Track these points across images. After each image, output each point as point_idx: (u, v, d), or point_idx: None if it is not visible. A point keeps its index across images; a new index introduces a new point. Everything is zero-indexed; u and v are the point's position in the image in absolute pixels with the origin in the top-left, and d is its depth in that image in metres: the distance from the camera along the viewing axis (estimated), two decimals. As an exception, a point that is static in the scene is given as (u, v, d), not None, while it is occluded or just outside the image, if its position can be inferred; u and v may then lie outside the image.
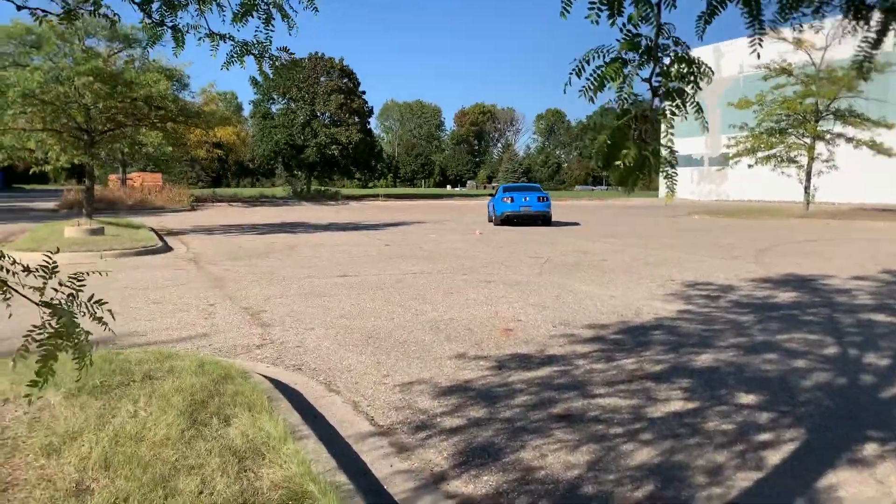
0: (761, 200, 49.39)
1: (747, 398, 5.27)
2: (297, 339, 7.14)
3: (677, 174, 3.06)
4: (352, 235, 20.51)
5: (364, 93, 58.22)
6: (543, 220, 24.94)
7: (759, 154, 30.92)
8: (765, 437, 4.51)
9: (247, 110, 68.97)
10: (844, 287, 10.65)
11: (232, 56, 3.83)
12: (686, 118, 2.92)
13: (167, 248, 16.30)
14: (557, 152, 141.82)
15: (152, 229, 20.60)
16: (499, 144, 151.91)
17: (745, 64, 50.48)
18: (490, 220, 26.22)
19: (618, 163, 2.57)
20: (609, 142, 2.64)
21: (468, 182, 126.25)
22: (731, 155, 31.82)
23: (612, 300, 9.44)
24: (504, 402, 5.14)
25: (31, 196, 50.33)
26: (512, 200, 24.75)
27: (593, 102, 2.63)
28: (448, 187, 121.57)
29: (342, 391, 5.43)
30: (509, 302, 9.23)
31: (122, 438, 3.70)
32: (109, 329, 2.36)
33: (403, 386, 5.52)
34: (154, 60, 20.81)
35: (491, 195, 30.26)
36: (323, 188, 58.66)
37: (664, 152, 2.86)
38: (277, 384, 5.36)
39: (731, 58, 54.16)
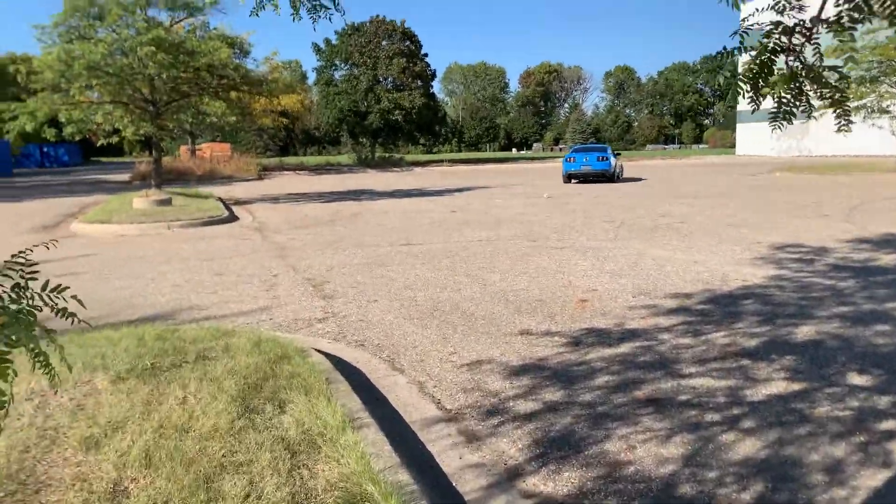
0: (846, 155, 46.63)
1: (861, 378, 4.65)
2: (360, 312, 6.81)
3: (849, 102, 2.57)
4: (416, 202, 20.16)
5: (426, 55, 57.29)
6: (606, 177, 26.27)
7: (849, 104, 28.88)
8: (889, 425, 3.91)
9: (311, 78, 69.15)
10: (955, 248, 9.66)
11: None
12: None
13: (233, 218, 16.30)
14: (627, 111, 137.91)
15: (220, 199, 20.72)
16: (566, 105, 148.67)
17: (829, 4, 47.36)
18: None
19: (766, 90, 2.17)
20: (756, 68, 2.25)
21: (534, 145, 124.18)
22: (817, 107, 29.79)
23: (695, 266, 8.78)
24: (583, 383, 4.67)
25: (107, 169, 51.90)
26: (574, 161, 26.62)
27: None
28: (514, 151, 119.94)
29: (406, 370, 5.06)
30: (583, 270, 8.69)
31: (167, 430, 3.41)
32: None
33: (472, 364, 5.10)
34: (216, 28, 20.73)
35: (561, 157, 31.19)
36: (387, 154, 58.48)
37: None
38: (338, 362, 5.03)
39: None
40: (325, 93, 55.88)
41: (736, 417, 4.05)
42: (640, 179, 28.96)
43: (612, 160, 26.60)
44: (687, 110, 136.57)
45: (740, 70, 2.58)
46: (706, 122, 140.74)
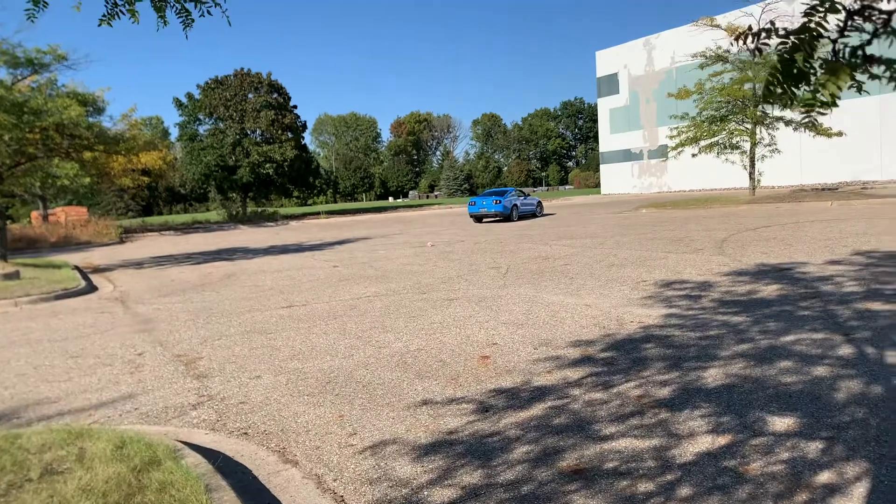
0: (703, 189, 49.88)
1: (783, 423, 4.48)
2: (241, 391, 6.07)
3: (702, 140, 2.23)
4: (295, 258, 19.32)
5: (296, 107, 56.56)
6: (501, 217, 31.15)
7: (703, 142, 30.88)
8: (825, 477, 3.70)
9: (174, 134, 66.38)
10: (824, 274, 10.10)
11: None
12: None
13: (91, 288, 14.85)
14: (496, 156, 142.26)
15: (76, 267, 18.99)
16: (437, 152, 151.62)
17: (677, 55, 51.07)
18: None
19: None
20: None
21: (410, 192, 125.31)
22: (674, 145, 31.70)
23: (589, 310, 8.63)
24: (500, 457, 4.21)
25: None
26: (475, 204, 31.89)
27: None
28: (390, 199, 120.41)
29: (301, 461, 4.41)
30: (479, 322, 8.32)
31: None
32: None
33: (376, 447, 4.53)
34: (65, 85, 19.22)
35: (439, 204, 37.38)
36: (260, 209, 56.81)
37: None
38: (219, 460, 4.31)
39: (662, 50, 54.79)
40: (190, 148, 53.71)
41: (671, 485, 3.71)
42: (523, 225, 29.41)
43: (509, 202, 31.29)
44: (551, 154, 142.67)
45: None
46: (570, 164, 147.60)
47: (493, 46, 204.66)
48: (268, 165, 51.98)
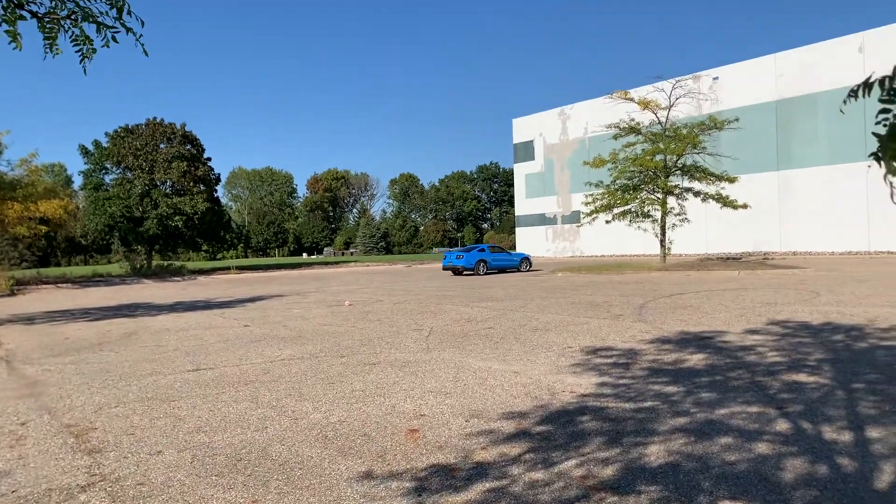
0: (614, 255, 51.28)
1: (737, 509, 4.21)
2: (140, 470, 5.36)
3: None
4: (203, 316, 18.30)
5: (210, 159, 55.14)
6: (466, 271, 34.61)
7: (616, 210, 31.82)
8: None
9: (77, 182, 63.46)
10: (745, 343, 10.19)
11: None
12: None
13: (-28, 346, 13.47)
14: (413, 216, 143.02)
15: (-43, 322, 17.35)
16: (354, 210, 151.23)
17: (590, 125, 53.07)
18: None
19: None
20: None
21: (325, 249, 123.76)
22: (588, 212, 32.52)
23: (518, 378, 8.31)
24: (440, 552, 3.74)
25: None
26: (446, 258, 36.33)
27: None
28: (304, 255, 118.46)
29: (207, 559, 3.80)
30: (404, 390, 7.84)
31: None
32: None
33: (296, 541, 3.97)
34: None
35: (355, 261, 39.11)
36: (166, 263, 54.47)
37: None
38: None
39: (576, 120, 56.86)
40: (94, 198, 51.29)
41: (632, 584, 3.34)
42: (436, 285, 29.16)
43: (475, 258, 34.80)
44: (467, 215, 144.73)
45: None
46: (485, 225, 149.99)
47: (413, 108, 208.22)
48: (177, 218, 50.14)
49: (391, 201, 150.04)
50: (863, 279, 21.63)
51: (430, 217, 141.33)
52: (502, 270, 35.99)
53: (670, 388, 7.44)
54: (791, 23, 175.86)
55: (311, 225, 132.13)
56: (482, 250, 36.11)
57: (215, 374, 9.36)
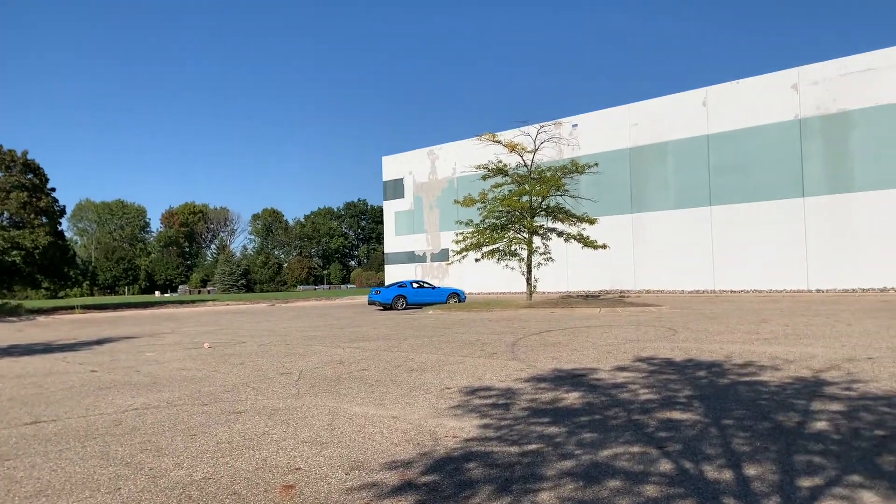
0: (482, 292, 52.08)
1: (637, 559, 4.06)
2: (-42, 552, 4.51)
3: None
4: (43, 360, 16.54)
5: (54, 190, 51.13)
6: (383, 307, 36.04)
7: (485, 248, 32.35)
8: None
9: None
10: (617, 381, 10.37)
11: None
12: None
13: None
14: (277, 252, 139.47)
15: None
16: (213, 246, 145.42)
17: (459, 166, 54.10)
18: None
19: None
20: None
21: (180, 287, 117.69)
22: (458, 250, 32.86)
23: (398, 423, 7.94)
24: None
25: None
26: (370, 293, 37.68)
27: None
28: (157, 293, 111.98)
29: None
30: (276, 441, 7.26)
31: None
32: None
33: None
34: None
35: (213, 300, 37.80)
36: (0, 302, 49.59)
37: None
38: None
39: (445, 160, 57.82)
40: (-86, 229, 45.94)
41: None
42: (305, 326, 28.20)
43: (391, 293, 36.11)
44: (334, 252, 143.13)
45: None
46: (352, 263, 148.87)
47: (275, 142, 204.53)
48: (15, 253, 45.81)
49: (253, 237, 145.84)
50: (713, 316, 23.05)
51: (294, 254, 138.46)
52: (422, 306, 36.38)
53: (552, 429, 7.35)
54: (644, 73, 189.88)
55: (165, 261, 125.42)
56: (402, 286, 37.35)
57: (58, 427, 8.31)
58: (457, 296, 38.39)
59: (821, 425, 7.11)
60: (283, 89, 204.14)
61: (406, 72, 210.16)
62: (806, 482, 5.29)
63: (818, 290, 37.77)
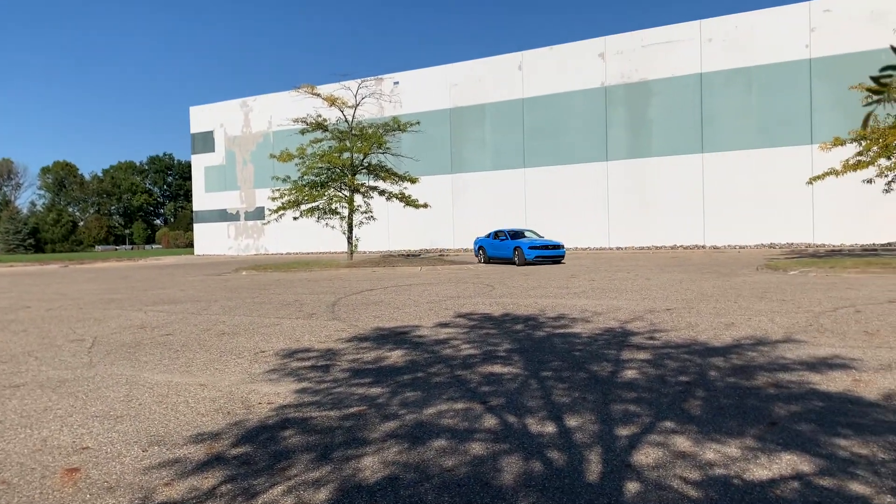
0: (301, 252, 50.81)
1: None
2: None
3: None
4: None
5: None
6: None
7: (304, 206, 31.29)
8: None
9: None
10: (439, 337, 10.32)
11: None
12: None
13: None
14: (71, 209, 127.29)
15: None
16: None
17: (275, 119, 51.88)
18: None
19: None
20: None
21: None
22: (275, 208, 31.52)
23: (206, 391, 7.27)
24: None
25: None
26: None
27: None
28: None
29: None
30: (60, 417, 6.33)
31: None
32: None
33: None
34: None
35: None
36: None
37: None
38: None
39: (260, 113, 55.17)
40: None
41: None
42: (104, 288, 25.78)
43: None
44: (137, 210, 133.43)
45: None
46: (157, 222, 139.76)
47: (66, 88, 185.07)
48: None
49: (43, 192, 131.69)
50: (526, 273, 24.01)
51: (91, 211, 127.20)
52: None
53: (375, 390, 7.06)
54: (462, 36, 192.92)
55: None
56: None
57: None
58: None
59: (631, 374, 7.42)
60: (69, 26, 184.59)
61: (215, 17, 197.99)
62: (624, 431, 5.41)
63: (618, 248, 40.80)
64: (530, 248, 28.51)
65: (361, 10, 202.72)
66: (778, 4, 37.53)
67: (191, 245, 70.42)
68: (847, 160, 21.03)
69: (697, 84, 38.76)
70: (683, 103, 39.07)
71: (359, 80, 33.47)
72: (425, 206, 32.24)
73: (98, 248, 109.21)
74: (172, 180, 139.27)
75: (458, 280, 21.64)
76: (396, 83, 47.42)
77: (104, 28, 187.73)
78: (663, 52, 39.63)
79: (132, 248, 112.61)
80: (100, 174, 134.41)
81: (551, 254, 28.84)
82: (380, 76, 45.13)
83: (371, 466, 4.82)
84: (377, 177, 32.22)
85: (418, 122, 33.33)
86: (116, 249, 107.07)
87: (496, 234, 31.35)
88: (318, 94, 31.14)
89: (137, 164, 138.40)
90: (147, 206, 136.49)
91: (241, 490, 4.43)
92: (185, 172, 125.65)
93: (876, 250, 30.04)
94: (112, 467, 4.93)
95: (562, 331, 10.62)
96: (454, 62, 46.85)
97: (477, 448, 5.15)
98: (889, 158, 20.38)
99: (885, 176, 20.59)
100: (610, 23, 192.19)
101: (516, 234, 30.76)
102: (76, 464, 5.04)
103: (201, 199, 59.27)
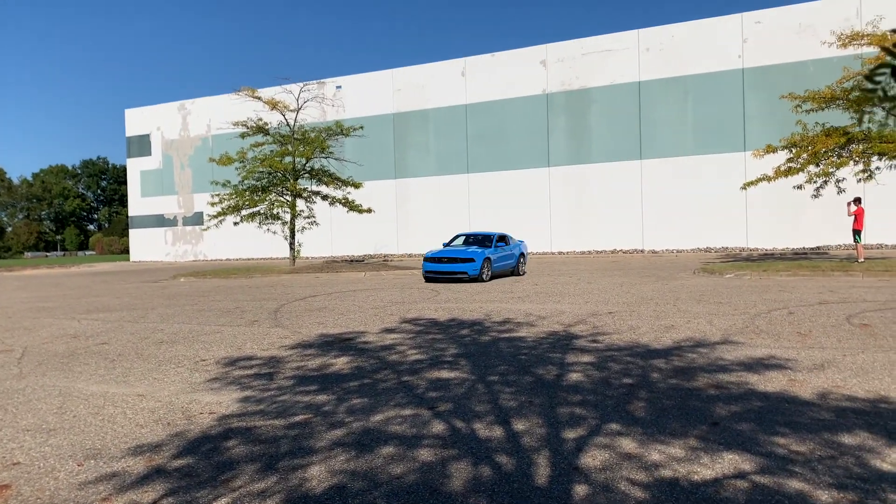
0: (241, 258, 49.87)
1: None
2: None
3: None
4: None
5: None
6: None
7: (244, 212, 30.70)
8: None
9: None
10: (385, 343, 10.25)
11: None
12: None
13: None
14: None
15: None
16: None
17: (214, 123, 50.86)
18: None
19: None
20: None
21: None
22: (215, 213, 30.83)
23: (144, 402, 7.05)
24: None
25: None
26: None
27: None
28: None
29: None
30: (-13, 433, 6.04)
31: None
32: None
33: None
34: None
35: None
36: None
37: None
38: None
39: (198, 116, 54.00)
40: None
41: None
42: (37, 296, 24.75)
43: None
44: (69, 215, 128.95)
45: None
46: (91, 227, 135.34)
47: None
48: None
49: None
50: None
51: (20, 216, 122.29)
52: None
53: (321, 398, 6.96)
54: (405, 41, 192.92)
55: None
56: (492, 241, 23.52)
57: None
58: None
59: (576, 377, 7.51)
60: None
61: (150, 18, 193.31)
62: (571, 433, 5.46)
63: (559, 252, 41.34)
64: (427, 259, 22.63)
65: (301, 14, 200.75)
66: (713, 16, 38.72)
67: (126, 251, 68.39)
68: (779, 167, 21.80)
69: (636, 92, 39.65)
70: (622, 111, 39.90)
71: (301, 84, 33.09)
72: (369, 210, 32.06)
73: (28, 254, 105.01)
74: (107, 185, 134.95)
75: (404, 285, 21.57)
76: (339, 87, 47.08)
77: (30, 27, 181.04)
78: (603, 61, 40.43)
79: (64, 255, 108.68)
80: (29, 178, 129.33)
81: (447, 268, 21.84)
82: (322, 80, 44.69)
83: (318, 476, 4.74)
84: (320, 181, 31.86)
85: (362, 127, 33.16)
86: (47, 256, 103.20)
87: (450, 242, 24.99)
88: (259, 98, 30.67)
89: (70, 167, 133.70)
90: (80, 212, 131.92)
91: (184, 503, 4.30)
92: (120, 177, 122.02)
93: (806, 254, 31.24)
94: (45, 483, 4.73)
95: (507, 335, 10.68)
96: (398, 67, 46.85)
97: (426, 454, 5.12)
98: (818, 165, 21.22)
99: (814, 182, 21.42)
100: (551, 30, 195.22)
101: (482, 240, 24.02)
102: (6, 480, 4.81)
103: (137, 204, 57.61)
